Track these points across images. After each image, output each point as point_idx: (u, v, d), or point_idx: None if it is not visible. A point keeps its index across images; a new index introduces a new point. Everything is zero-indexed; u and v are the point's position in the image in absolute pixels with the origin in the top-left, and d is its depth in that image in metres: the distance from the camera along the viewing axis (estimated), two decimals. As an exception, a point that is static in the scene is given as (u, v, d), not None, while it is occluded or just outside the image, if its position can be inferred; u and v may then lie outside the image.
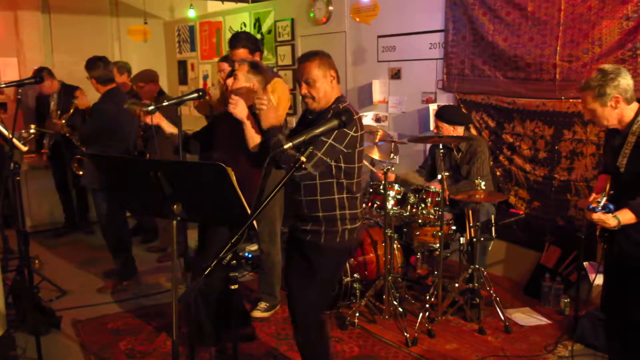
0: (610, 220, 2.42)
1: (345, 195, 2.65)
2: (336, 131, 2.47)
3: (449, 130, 4.11)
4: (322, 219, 2.63)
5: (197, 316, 3.28)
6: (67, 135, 4.52)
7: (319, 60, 2.63)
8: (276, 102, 2.72)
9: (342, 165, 2.60)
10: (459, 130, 4.14)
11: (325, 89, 2.63)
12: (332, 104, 2.66)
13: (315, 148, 2.47)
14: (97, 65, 4.28)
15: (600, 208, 2.38)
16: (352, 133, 2.54)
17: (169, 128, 3.19)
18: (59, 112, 5.45)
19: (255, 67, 3.19)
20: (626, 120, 2.54)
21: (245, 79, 3.14)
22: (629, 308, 2.61)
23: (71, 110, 5.01)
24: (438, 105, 4.87)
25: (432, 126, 4.93)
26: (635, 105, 2.53)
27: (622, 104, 2.50)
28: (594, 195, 2.71)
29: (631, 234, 2.50)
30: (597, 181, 2.89)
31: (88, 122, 4.41)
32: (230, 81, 3.19)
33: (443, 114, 4.18)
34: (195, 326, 3.30)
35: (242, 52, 3.92)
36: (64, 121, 5.22)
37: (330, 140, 2.50)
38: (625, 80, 2.47)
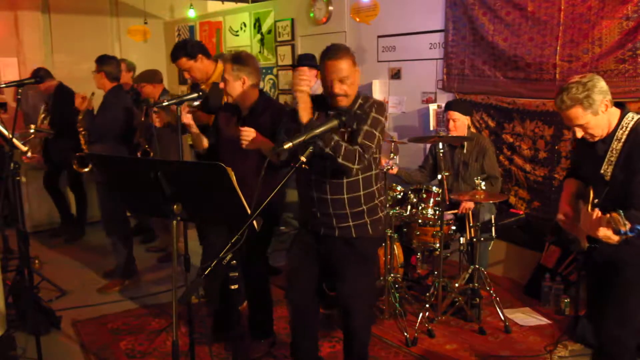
0: (614, 236, 2.26)
1: (379, 185, 2.74)
2: (379, 122, 2.55)
3: (463, 119, 4.17)
4: (366, 212, 2.67)
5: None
6: (82, 133, 4.51)
7: (350, 56, 2.57)
8: None
9: (377, 155, 2.65)
10: (469, 121, 4.25)
11: (355, 85, 2.61)
12: (355, 99, 2.64)
13: (369, 140, 2.51)
14: (110, 62, 4.38)
15: (630, 231, 2.13)
16: (384, 120, 2.60)
17: (196, 129, 3.20)
18: (42, 115, 5.48)
19: (237, 61, 3.12)
20: (610, 126, 2.41)
21: (234, 78, 3.10)
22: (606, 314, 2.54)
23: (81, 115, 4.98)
24: (438, 105, 4.88)
25: (432, 126, 4.94)
26: (616, 110, 2.41)
27: (610, 107, 2.37)
28: (562, 206, 2.58)
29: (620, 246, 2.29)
30: (564, 187, 2.73)
31: (101, 115, 4.42)
32: (222, 85, 3.16)
33: (457, 104, 4.28)
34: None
35: (183, 62, 3.93)
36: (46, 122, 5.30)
37: (378, 132, 2.55)
38: (603, 83, 2.35)
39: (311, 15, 6.04)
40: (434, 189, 3.96)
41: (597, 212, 2.20)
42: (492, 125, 4.62)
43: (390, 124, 5.42)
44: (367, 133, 2.53)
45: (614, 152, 2.40)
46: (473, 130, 4.62)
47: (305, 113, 2.49)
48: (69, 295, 4.40)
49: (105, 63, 4.35)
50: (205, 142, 3.29)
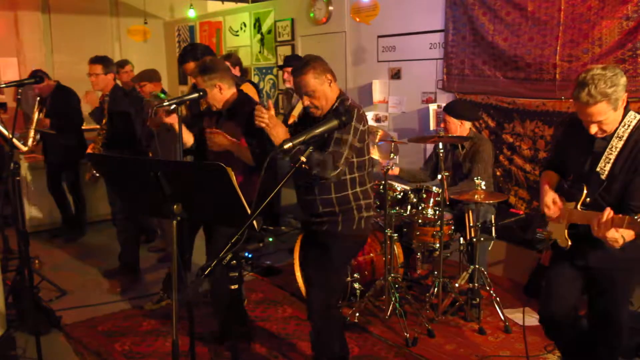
0: (621, 240, 2.15)
1: (358, 189, 2.76)
2: (352, 127, 2.57)
3: (456, 124, 4.10)
4: (339, 212, 2.73)
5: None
6: (100, 135, 4.52)
7: (312, 70, 2.65)
8: None
9: (355, 160, 2.68)
10: (466, 126, 4.14)
11: (325, 95, 2.68)
12: (334, 103, 2.71)
13: (339, 147, 2.56)
14: (112, 62, 4.49)
15: None
16: (361, 127, 2.64)
17: (184, 134, 3.20)
18: (42, 115, 5.48)
19: (206, 71, 3.10)
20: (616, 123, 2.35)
21: (210, 87, 3.09)
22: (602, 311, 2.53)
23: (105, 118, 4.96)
24: (438, 105, 4.88)
25: (432, 126, 4.94)
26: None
27: (625, 103, 2.31)
28: (550, 193, 2.48)
29: (608, 247, 2.22)
30: (543, 179, 2.64)
31: (121, 119, 4.44)
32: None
33: (451, 108, 4.19)
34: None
35: (190, 66, 3.87)
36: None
37: (350, 137, 2.58)
38: (625, 77, 2.26)
39: (311, 15, 6.04)
40: (434, 188, 3.96)
41: (609, 212, 2.11)
42: (492, 125, 4.62)
43: (390, 124, 5.42)
44: (338, 140, 2.57)
45: (614, 149, 2.32)
46: (474, 131, 4.62)
47: (276, 139, 2.58)
48: (69, 295, 4.39)
49: (112, 63, 4.43)
50: (191, 139, 3.27)
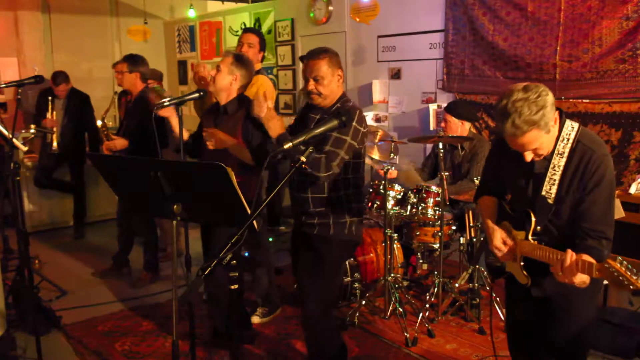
0: (588, 280, 1.88)
1: (352, 191, 2.73)
2: (352, 128, 2.55)
3: (457, 124, 4.11)
4: (330, 213, 2.70)
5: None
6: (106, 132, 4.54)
7: (328, 58, 2.65)
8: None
9: (351, 161, 2.66)
10: (466, 126, 4.16)
11: (332, 87, 2.67)
12: (336, 102, 2.70)
13: (336, 147, 2.53)
14: (144, 62, 4.39)
15: None
16: (362, 129, 2.62)
17: (176, 127, 3.17)
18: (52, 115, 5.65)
19: (239, 60, 3.19)
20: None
21: (228, 71, 3.15)
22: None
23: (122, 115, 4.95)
24: (438, 105, 4.88)
25: (432, 126, 4.94)
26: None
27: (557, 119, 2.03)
28: (498, 232, 2.21)
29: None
30: (483, 208, 2.39)
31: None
32: (213, 72, 3.20)
33: (453, 108, 4.20)
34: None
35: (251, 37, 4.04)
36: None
37: (349, 138, 2.56)
38: (551, 95, 1.97)
39: (311, 15, 6.04)
40: (434, 188, 3.96)
41: (572, 255, 1.85)
42: (492, 125, 4.62)
43: (390, 124, 5.42)
44: (335, 140, 2.55)
45: (557, 168, 2.04)
46: (474, 131, 4.62)
47: (272, 131, 2.58)
48: (69, 295, 4.39)
49: (140, 63, 4.35)
50: (185, 134, 3.25)
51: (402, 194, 4.01)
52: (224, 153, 3.06)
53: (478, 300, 3.81)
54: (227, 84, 3.17)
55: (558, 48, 4.10)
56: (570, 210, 2.06)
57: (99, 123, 4.48)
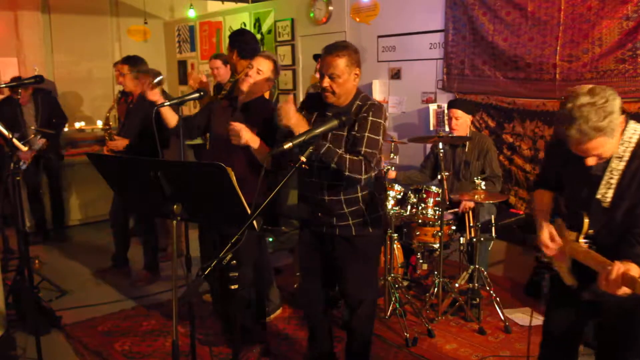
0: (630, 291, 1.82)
1: (376, 184, 2.79)
2: (382, 127, 2.54)
3: (466, 118, 4.15)
4: (365, 210, 2.69)
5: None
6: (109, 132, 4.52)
7: (348, 56, 2.52)
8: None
9: (379, 156, 2.65)
10: (469, 121, 4.23)
11: (347, 87, 2.57)
12: (353, 100, 2.61)
13: (373, 148, 2.51)
14: (143, 64, 4.43)
15: None
16: (383, 122, 2.59)
17: (167, 116, 3.16)
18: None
19: (277, 67, 3.20)
20: None
21: (266, 76, 3.12)
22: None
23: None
24: (438, 105, 4.88)
25: (432, 126, 4.94)
26: None
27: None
28: (546, 227, 2.16)
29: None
30: (537, 202, 2.35)
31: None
32: (249, 71, 3.11)
33: (461, 103, 4.26)
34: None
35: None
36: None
37: (381, 138, 2.55)
38: (619, 99, 1.92)
39: (311, 15, 6.04)
40: (434, 188, 3.96)
41: (619, 268, 1.78)
42: (492, 125, 4.62)
43: (390, 124, 5.42)
44: (370, 140, 2.51)
45: (615, 172, 1.99)
46: (473, 129, 4.63)
47: (297, 130, 2.47)
48: (69, 295, 4.40)
49: (140, 64, 4.38)
50: (174, 120, 3.19)
51: (402, 194, 4.01)
52: (236, 151, 2.99)
53: (478, 300, 3.81)
54: (259, 88, 3.13)
55: (558, 48, 4.10)
56: (625, 215, 2.00)
57: (99, 123, 4.48)
